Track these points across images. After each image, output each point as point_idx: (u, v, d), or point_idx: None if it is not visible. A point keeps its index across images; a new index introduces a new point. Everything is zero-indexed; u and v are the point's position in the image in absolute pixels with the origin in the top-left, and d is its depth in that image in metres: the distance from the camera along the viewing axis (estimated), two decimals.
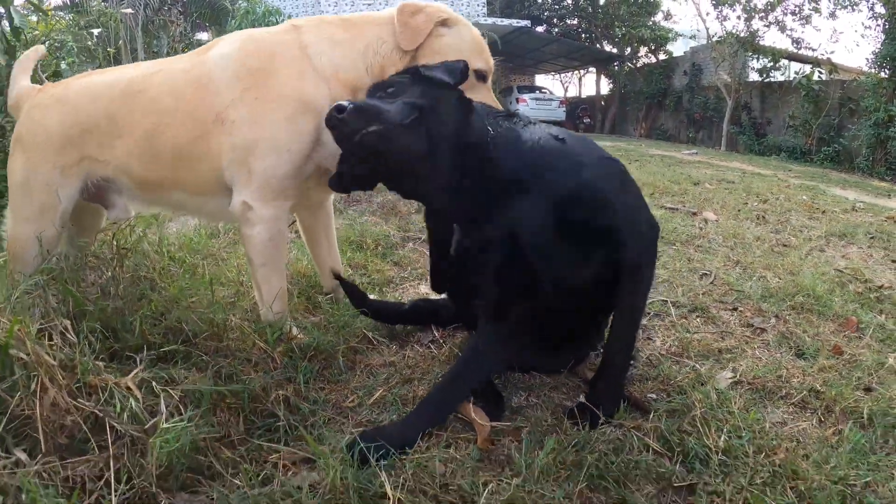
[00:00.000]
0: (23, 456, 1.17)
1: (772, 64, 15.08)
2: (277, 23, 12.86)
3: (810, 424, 1.61)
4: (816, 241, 3.81)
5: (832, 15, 14.35)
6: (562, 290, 1.59)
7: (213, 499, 1.25)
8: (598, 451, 1.40)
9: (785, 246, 3.61)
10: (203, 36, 12.47)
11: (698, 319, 2.35)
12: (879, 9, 12.29)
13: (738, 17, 15.33)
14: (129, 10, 7.30)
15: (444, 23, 1.91)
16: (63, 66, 7.09)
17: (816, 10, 14.47)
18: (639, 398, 1.67)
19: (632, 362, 1.84)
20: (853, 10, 13.83)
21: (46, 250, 1.95)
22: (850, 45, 35.81)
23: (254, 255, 1.90)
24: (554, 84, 29.97)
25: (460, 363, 1.64)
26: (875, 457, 1.45)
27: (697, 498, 1.30)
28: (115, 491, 1.18)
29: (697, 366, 1.91)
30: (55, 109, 2.04)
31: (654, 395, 1.72)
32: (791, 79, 14.29)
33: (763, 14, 14.89)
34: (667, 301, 2.50)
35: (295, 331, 1.91)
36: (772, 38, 16.16)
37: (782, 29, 14.91)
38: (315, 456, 1.35)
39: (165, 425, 1.29)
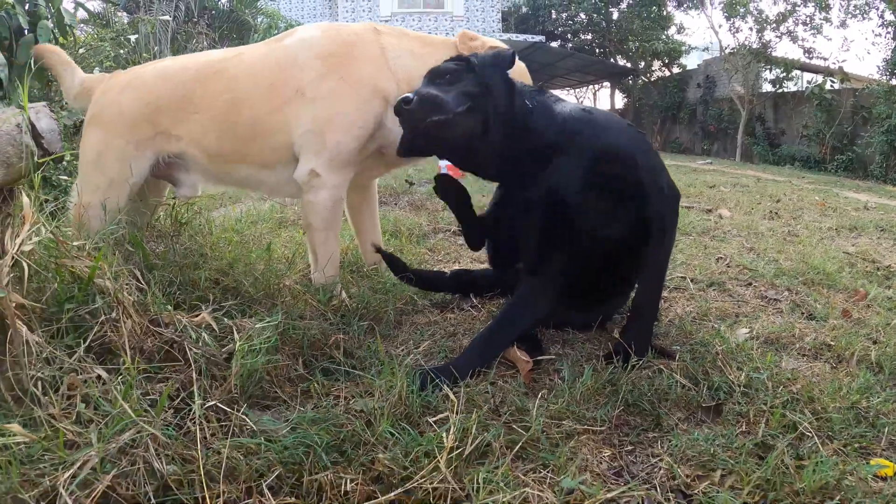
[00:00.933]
0: (103, 372, 1.34)
1: (784, 74, 15.15)
2: None
3: (823, 370, 1.77)
4: (827, 232, 3.98)
5: (842, 24, 14.39)
6: (596, 243, 1.80)
7: (283, 415, 1.42)
8: (632, 383, 1.58)
9: (796, 236, 3.77)
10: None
11: (715, 292, 2.52)
12: (889, 16, 12.43)
13: (751, 29, 15.39)
14: (167, 18, 7.64)
15: (492, 48, 2.20)
16: (97, 70, 7.45)
17: (827, 20, 14.53)
18: (664, 347, 1.86)
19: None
20: (863, 18, 13.91)
21: (109, 220, 2.05)
22: (861, 53, 35.64)
23: (315, 219, 2.13)
24: (569, 99, 30.17)
25: (507, 311, 1.87)
26: (885, 392, 1.60)
27: (724, 418, 1.47)
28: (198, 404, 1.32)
29: (716, 325, 2.10)
30: (130, 90, 2.24)
31: (678, 347, 1.89)
32: (803, 89, 14.37)
33: (775, 25, 14.97)
34: (685, 277, 2.68)
35: (344, 295, 2.10)
36: (784, 48, 16.36)
37: (794, 39, 14.95)
38: (374, 388, 1.49)
39: (241, 345, 1.48)
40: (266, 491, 1.12)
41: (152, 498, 1.07)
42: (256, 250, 2.39)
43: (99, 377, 1.34)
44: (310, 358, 1.68)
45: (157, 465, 1.11)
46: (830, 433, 1.41)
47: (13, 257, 1.28)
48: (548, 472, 1.24)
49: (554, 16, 22.45)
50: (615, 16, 20.86)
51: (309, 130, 2.09)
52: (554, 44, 21.90)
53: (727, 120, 16.67)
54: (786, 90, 15.27)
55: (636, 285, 1.94)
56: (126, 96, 2.23)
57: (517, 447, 1.30)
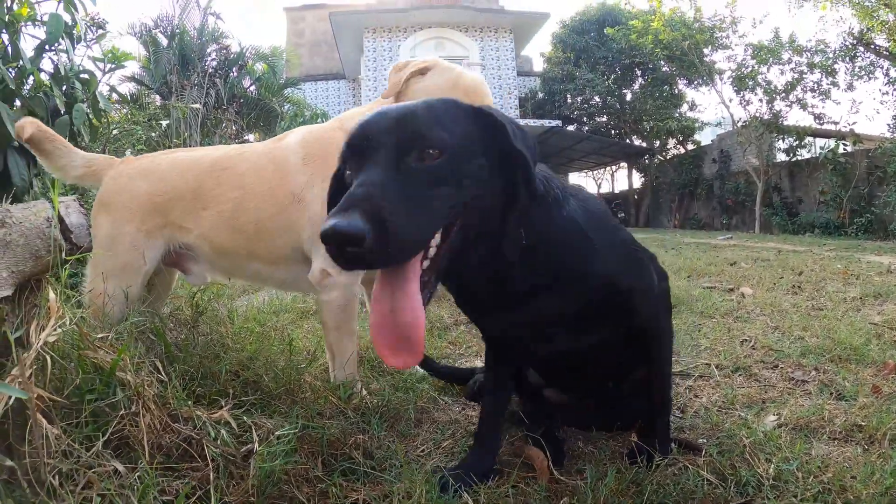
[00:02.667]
0: (120, 466, 1.33)
1: (797, 142, 15.32)
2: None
3: (855, 453, 1.71)
4: (851, 302, 3.91)
5: (849, 87, 14.68)
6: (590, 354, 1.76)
7: None
8: (657, 482, 1.54)
9: (820, 310, 3.71)
10: (250, 137, 13.35)
11: (741, 378, 2.47)
12: (895, 74, 12.65)
13: (761, 101, 15.71)
14: (198, 106, 7.93)
15: (421, 71, 2.23)
16: (128, 153, 7.68)
17: (834, 84, 14.81)
18: (690, 440, 1.81)
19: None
20: (869, 78, 14.30)
21: (125, 307, 2.09)
22: (870, 113, 36.12)
23: (329, 318, 2.12)
24: (587, 181, 30.61)
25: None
26: None
27: None
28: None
29: (743, 413, 2.04)
30: (143, 178, 2.27)
31: (704, 440, 1.84)
32: (817, 155, 14.50)
33: (784, 94, 15.26)
34: (710, 364, 2.63)
35: (364, 392, 2.08)
36: (794, 116, 16.58)
37: (804, 106, 15.22)
38: (393, 493, 1.47)
39: (260, 448, 1.47)
40: None
41: None
42: (278, 342, 2.39)
43: (115, 471, 1.34)
44: (329, 458, 1.65)
45: None
46: None
47: (37, 350, 1.29)
48: None
49: (569, 100, 23.11)
50: (629, 97, 21.38)
51: (312, 234, 2.10)
52: (570, 127, 22.50)
53: (744, 192, 16.76)
54: (800, 158, 15.48)
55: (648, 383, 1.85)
56: (138, 184, 2.27)
57: None
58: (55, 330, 1.39)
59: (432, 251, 1.21)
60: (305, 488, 1.51)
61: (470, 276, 1.44)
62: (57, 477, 1.25)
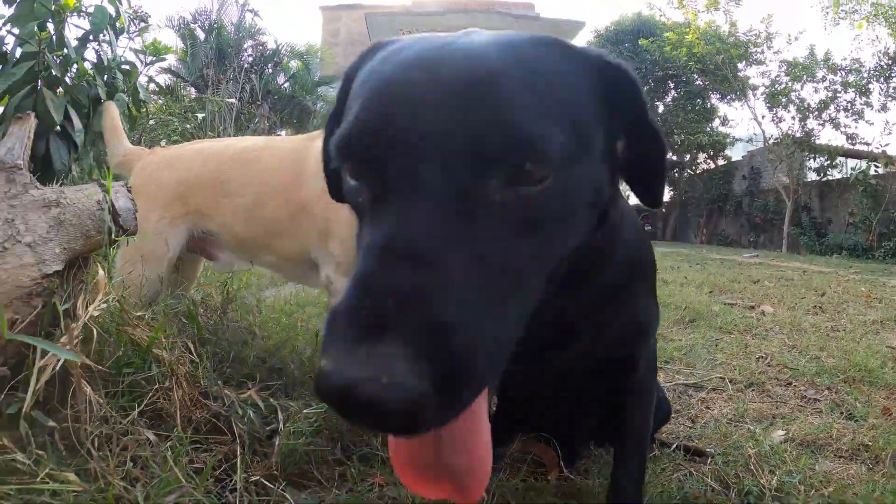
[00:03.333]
0: (152, 436, 1.41)
1: (828, 162, 15.16)
2: None
3: (859, 471, 1.75)
4: (871, 325, 3.92)
5: (883, 108, 14.53)
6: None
7: (319, 496, 1.46)
8: (662, 486, 1.59)
9: (839, 331, 3.72)
10: (282, 132, 13.55)
11: (754, 393, 2.51)
12: None
13: (793, 118, 15.55)
14: (233, 101, 8.08)
15: None
16: (163, 143, 7.86)
17: (868, 105, 14.64)
18: (697, 447, 1.86)
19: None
20: None
21: (149, 292, 2.16)
22: None
23: None
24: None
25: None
26: None
27: None
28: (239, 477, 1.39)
29: (752, 427, 2.09)
30: (168, 168, 2.35)
31: (711, 449, 1.89)
32: (848, 175, 14.33)
33: (817, 113, 15.11)
34: (724, 378, 2.67)
35: None
36: (827, 136, 16.43)
37: (836, 126, 15.03)
38: None
39: (286, 427, 1.56)
40: None
41: None
42: (304, 334, 2.47)
43: (148, 440, 1.43)
44: (348, 443, 1.72)
45: None
46: None
47: (84, 322, 1.38)
48: None
49: None
50: (661, 109, 21.21)
51: (316, 243, 2.14)
52: None
53: (773, 211, 16.58)
54: (830, 178, 15.27)
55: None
56: (164, 173, 2.34)
57: None
58: (100, 305, 1.49)
59: None
60: (324, 469, 1.59)
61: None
62: (95, 440, 1.33)
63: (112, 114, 2.61)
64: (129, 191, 1.75)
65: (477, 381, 0.61)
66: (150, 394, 1.53)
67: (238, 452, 1.45)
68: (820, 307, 4.67)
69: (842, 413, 2.25)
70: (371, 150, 0.68)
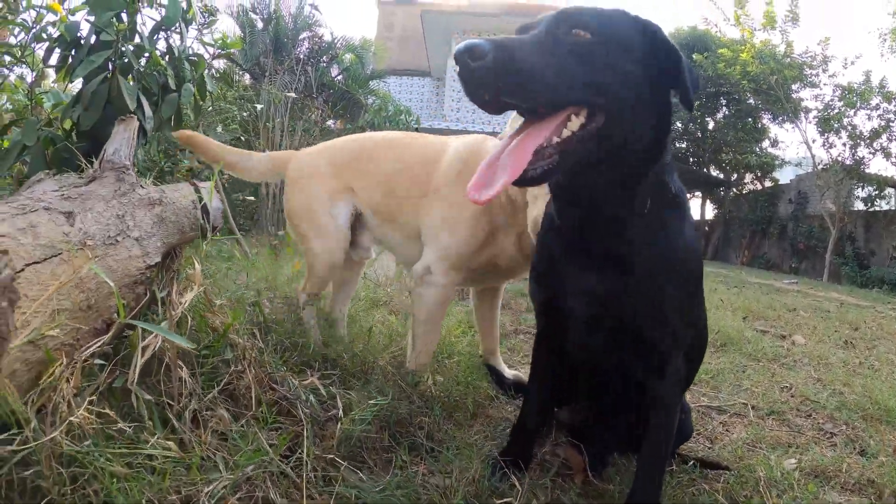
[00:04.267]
0: (226, 414, 1.62)
1: (877, 192, 14.93)
2: (407, 121, 13.90)
3: None
4: None
5: None
6: None
7: (371, 478, 1.64)
8: (676, 498, 1.75)
9: (867, 368, 3.79)
10: (331, 123, 13.83)
11: (773, 421, 2.63)
12: None
13: (844, 145, 15.31)
14: (292, 95, 8.34)
15: None
16: (219, 129, 8.15)
17: None
18: (714, 460, 2.01)
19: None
20: None
21: (333, 262, 2.55)
22: None
23: (420, 312, 2.36)
24: None
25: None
26: None
27: None
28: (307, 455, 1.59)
29: (767, 453, 2.22)
30: (321, 155, 2.71)
31: (726, 465, 2.03)
32: (895, 208, 14.08)
33: (868, 141, 14.88)
34: (747, 404, 2.79)
35: (430, 381, 2.31)
36: (877, 165, 16.14)
37: (887, 155, 14.76)
38: (450, 470, 1.72)
39: (352, 415, 1.75)
40: None
41: None
42: (354, 328, 2.69)
43: (226, 416, 1.64)
44: (395, 433, 1.90)
45: (272, 495, 1.38)
46: None
47: (182, 312, 1.60)
48: None
49: None
50: (710, 126, 21.00)
51: (432, 226, 2.35)
52: None
53: (817, 238, 16.34)
54: (878, 208, 15.01)
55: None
56: (319, 160, 2.68)
57: None
58: (194, 296, 1.70)
59: (566, 133, 1.28)
60: (374, 455, 1.78)
61: (590, 210, 1.47)
62: (188, 415, 1.54)
63: (199, 141, 2.89)
64: (218, 192, 1.97)
65: (519, 71, 1.19)
66: (227, 375, 1.75)
67: (304, 433, 1.65)
68: (851, 342, 4.72)
69: (854, 448, 2.36)
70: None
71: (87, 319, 1.50)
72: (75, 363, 1.37)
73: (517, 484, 1.69)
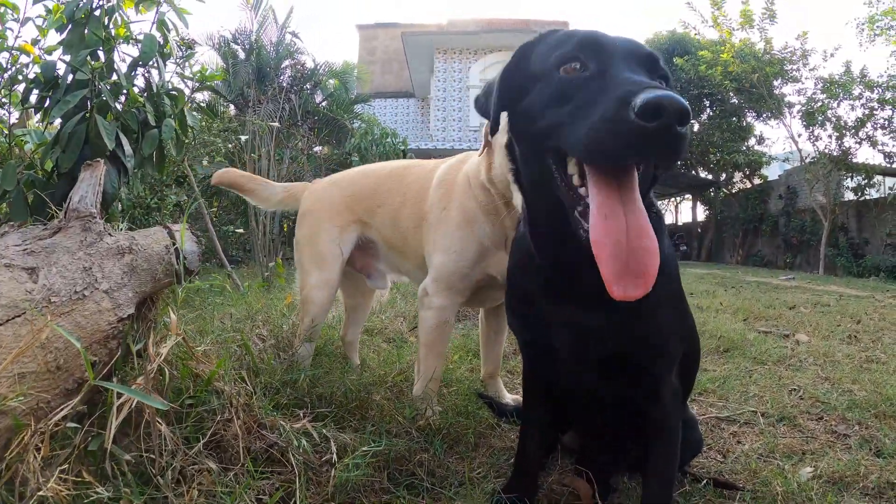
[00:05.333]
0: (215, 466, 1.53)
1: (866, 181, 14.95)
2: (393, 143, 13.90)
3: None
4: None
5: None
6: None
7: None
8: None
9: (874, 362, 3.72)
10: (319, 149, 13.83)
11: (785, 427, 2.55)
12: None
13: (830, 137, 15.39)
14: (276, 124, 8.31)
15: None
16: (204, 162, 8.08)
17: None
18: (727, 480, 1.92)
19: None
20: None
21: (328, 294, 2.58)
22: None
23: (421, 334, 2.34)
24: None
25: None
26: None
27: None
28: None
29: (781, 462, 2.14)
30: (335, 186, 2.79)
31: (740, 486, 1.95)
32: (886, 195, 14.09)
33: (854, 131, 14.92)
34: (756, 411, 2.71)
35: (430, 412, 2.23)
36: (864, 154, 16.18)
37: (873, 144, 14.87)
38: None
39: (346, 460, 1.66)
40: None
41: None
42: (348, 361, 2.60)
43: (213, 470, 1.55)
44: (394, 472, 1.82)
45: None
46: None
47: (158, 365, 1.52)
48: None
49: None
50: (696, 128, 21.10)
51: (428, 251, 2.37)
52: None
53: (809, 231, 16.36)
54: (868, 197, 15.07)
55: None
56: (332, 191, 2.74)
57: None
58: (170, 346, 1.62)
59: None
60: (373, 498, 1.70)
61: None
62: (170, 473, 1.46)
63: (233, 176, 3.07)
64: (193, 233, 1.90)
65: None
66: (213, 425, 1.66)
67: (297, 482, 1.57)
68: (855, 336, 4.65)
69: (870, 449, 2.28)
70: (607, 46, 1.22)
71: (57, 381, 1.43)
72: (44, 430, 1.29)
73: None
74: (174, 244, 1.72)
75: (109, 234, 1.68)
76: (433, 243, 2.33)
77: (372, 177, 2.74)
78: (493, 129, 1.48)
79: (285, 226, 9.78)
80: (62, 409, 1.35)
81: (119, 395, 1.43)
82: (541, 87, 1.27)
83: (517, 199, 2.00)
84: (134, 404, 1.45)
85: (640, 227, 1.10)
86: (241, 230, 8.82)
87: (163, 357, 1.54)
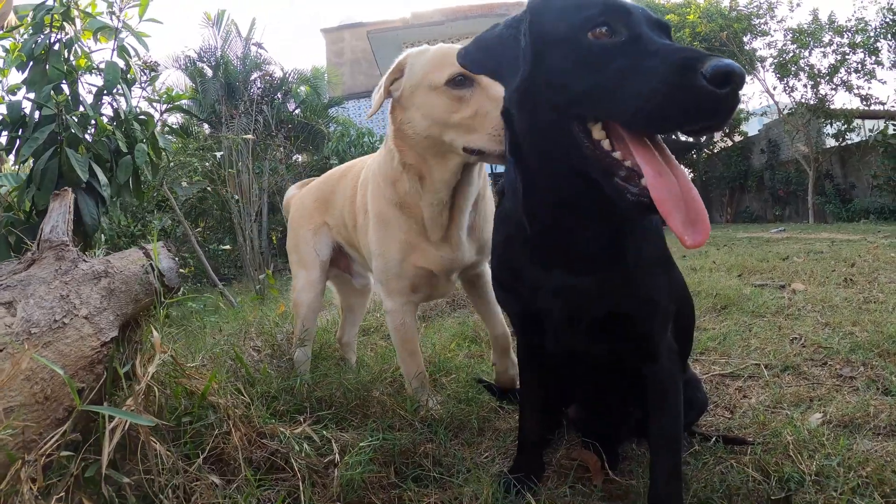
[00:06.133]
0: (218, 479, 1.52)
1: (845, 126, 14.98)
2: (371, 143, 13.79)
3: None
4: None
5: (894, 65, 14.34)
6: None
7: None
8: (704, 480, 1.65)
9: (872, 302, 3.72)
10: (299, 157, 13.81)
11: (790, 377, 2.53)
12: None
13: (805, 86, 15.42)
14: (250, 137, 8.26)
15: (399, 74, 2.00)
16: (184, 183, 8.03)
17: (879, 63, 14.43)
18: (736, 436, 1.91)
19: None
20: None
21: (314, 295, 2.63)
22: None
23: (392, 337, 2.33)
24: None
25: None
26: None
27: None
28: None
29: (790, 412, 2.13)
30: (309, 192, 2.86)
31: (751, 438, 1.93)
32: (866, 138, 14.14)
33: (828, 77, 14.94)
34: (759, 364, 2.70)
35: (431, 403, 2.21)
36: (841, 99, 16.26)
37: (849, 89, 14.88)
38: (463, 496, 1.61)
39: (346, 458, 1.64)
40: None
41: None
42: (345, 362, 2.58)
43: (215, 484, 1.53)
44: (401, 466, 1.79)
45: None
46: None
47: (147, 385, 1.49)
48: None
49: None
50: None
51: (367, 256, 2.36)
52: None
53: (795, 182, 16.39)
54: (849, 142, 15.09)
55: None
56: (307, 197, 2.81)
57: None
58: (157, 364, 1.59)
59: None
60: (381, 494, 1.67)
61: (583, 215, 1.38)
62: (170, 492, 1.43)
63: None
64: (170, 250, 1.86)
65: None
66: (212, 439, 1.64)
67: (300, 487, 1.54)
68: (851, 279, 4.65)
69: (878, 389, 2.27)
70: (637, 14, 1.20)
71: (47, 411, 1.40)
72: (36, 462, 1.26)
73: (532, 501, 1.58)
74: (150, 263, 1.69)
75: (84, 260, 1.64)
76: (366, 247, 2.33)
77: (331, 180, 2.78)
78: (518, 90, 1.31)
79: (274, 238, 9.73)
80: (51, 439, 1.32)
81: (111, 419, 1.41)
82: (564, 52, 1.24)
83: (451, 163, 1.93)
84: (127, 426, 1.42)
85: (686, 179, 1.18)
86: (227, 247, 8.76)
87: (150, 376, 1.50)
